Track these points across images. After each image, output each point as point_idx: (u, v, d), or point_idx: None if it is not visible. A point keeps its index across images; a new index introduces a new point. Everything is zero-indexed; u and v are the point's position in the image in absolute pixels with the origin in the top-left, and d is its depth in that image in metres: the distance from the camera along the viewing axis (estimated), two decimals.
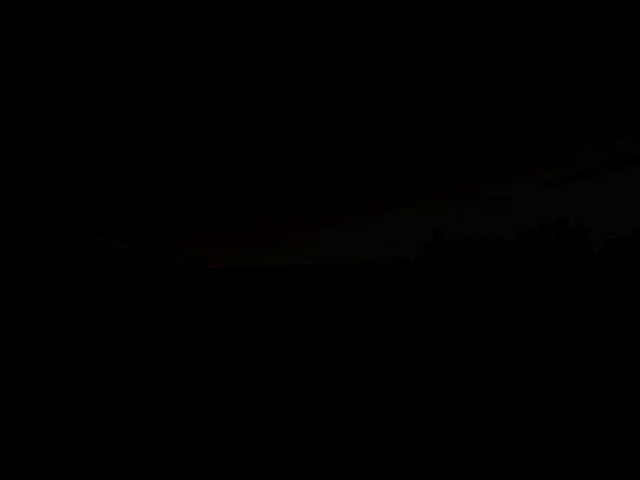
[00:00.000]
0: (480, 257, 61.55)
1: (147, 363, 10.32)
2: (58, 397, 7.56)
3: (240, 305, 27.83)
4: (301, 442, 5.50)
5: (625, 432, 5.47)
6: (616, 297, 21.90)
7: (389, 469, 4.78)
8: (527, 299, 23.93)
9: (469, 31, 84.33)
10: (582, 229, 57.93)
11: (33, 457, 5.26)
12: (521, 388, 7.39)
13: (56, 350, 12.04)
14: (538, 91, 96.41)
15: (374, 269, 72.31)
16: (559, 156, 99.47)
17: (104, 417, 6.53)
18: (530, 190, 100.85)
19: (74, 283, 31.32)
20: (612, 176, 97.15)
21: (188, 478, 4.71)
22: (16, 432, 6.03)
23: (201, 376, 8.95)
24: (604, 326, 13.54)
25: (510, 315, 17.59)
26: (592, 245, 58.23)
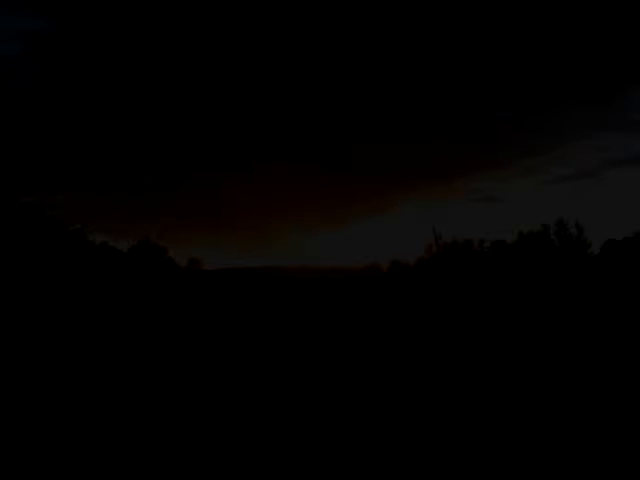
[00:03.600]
0: (480, 258, 61.44)
1: (148, 364, 10.28)
2: (58, 398, 7.52)
3: (241, 306, 27.80)
4: (301, 443, 5.46)
5: (625, 432, 5.43)
6: (617, 298, 21.87)
7: (389, 469, 4.74)
8: (527, 300, 23.91)
9: (465, 30, 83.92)
10: (582, 229, 57.85)
11: (33, 457, 5.22)
12: (521, 389, 7.35)
13: (56, 351, 11.99)
14: (537, 91, 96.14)
15: (374, 270, 72.19)
16: (559, 156, 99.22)
17: (104, 417, 6.48)
18: (530, 190, 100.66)
19: (73, 285, 31.27)
20: (612, 176, 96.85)
21: (188, 478, 4.67)
22: (16, 432, 5.99)
23: (202, 378, 8.91)
24: (605, 327, 13.52)
25: (510, 316, 17.57)
26: (592, 245, 58.14)
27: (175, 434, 5.87)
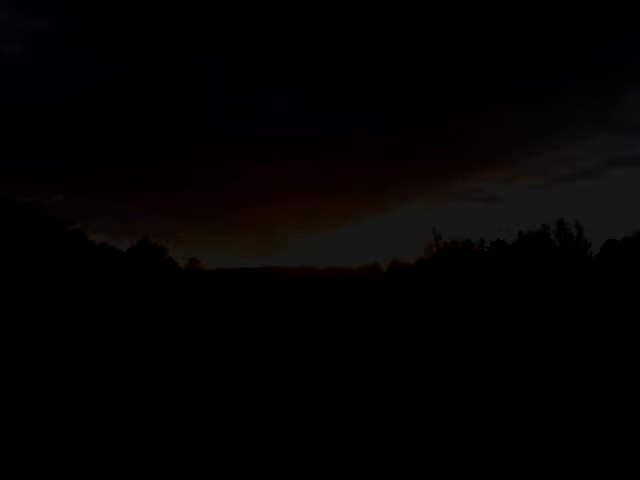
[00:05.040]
0: (480, 258, 61.50)
1: (147, 364, 10.27)
2: (59, 397, 7.51)
3: (240, 307, 27.82)
4: (300, 443, 5.46)
5: (625, 432, 5.42)
6: (617, 298, 21.88)
7: (389, 469, 4.74)
8: (528, 300, 23.92)
9: (465, 32, 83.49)
10: (582, 229, 57.91)
11: (33, 457, 5.22)
12: (522, 389, 7.34)
13: (56, 351, 11.98)
14: (537, 91, 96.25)
15: (374, 270, 72.28)
16: (559, 156, 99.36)
17: (105, 417, 6.48)
18: (530, 190, 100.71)
19: (73, 285, 31.27)
20: (612, 176, 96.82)
21: (188, 478, 4.67)
22: (16, 432, 5.99)
23: (201, 378, 8.91)
24: (605, 327, 13.51)
25: (511, 316, 17.57)
26: (592, 246, 58.18)
27: (175, 434, 5.87)
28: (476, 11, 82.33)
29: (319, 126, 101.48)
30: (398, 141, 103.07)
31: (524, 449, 5.10)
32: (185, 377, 8.89)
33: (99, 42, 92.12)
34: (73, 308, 23.30)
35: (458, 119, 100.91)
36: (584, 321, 15.04)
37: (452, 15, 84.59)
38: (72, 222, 43.89)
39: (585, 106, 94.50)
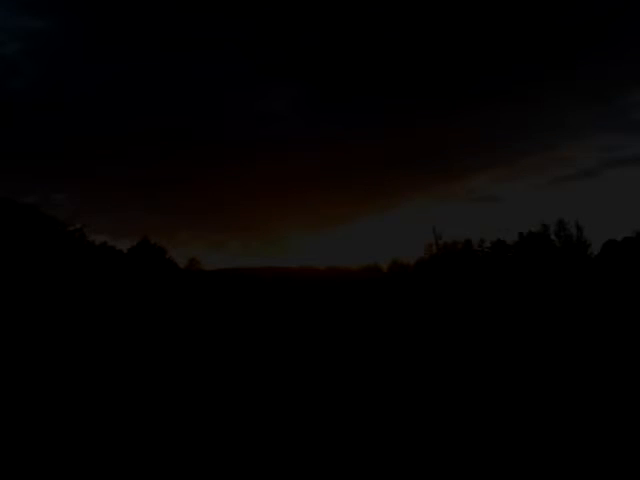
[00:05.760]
0: (480, 258, 61.50)
1: (147, 364, 10.26)
2: (59, 398, 7.51)
3: (241, 307, 27.81)
4: (301, 443, 5.45)
5: (625, 433, 5.42)
6: (617, 298, 21.86)
7: (389, 469, 4.73)
8: (528, 300, 23.90)
9: (464, 34, 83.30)
10: (582, 229, 57.91)
11: (33, 457, 5.21)
12: (522, 389, 7.34)
13: (56, 351, 11.97)
14: (537, 91, 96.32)
15: (374, 270, 72.27)
16: (559, 156, 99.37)
17: (105, 418, 6.47)
18: (530, 190, 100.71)
19: (73, 285, 31.24)
20: (612, 176, 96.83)
21: (187, 478, 4.66)
22: (16, 433, 5.98)
23: (202, 378, 8.90)
24: (605, 327, 13.50)
25: (511, 316, 17.56)
26: (592, 246, 58.17)
27: (175, 434, 5.86)
28: (476, 11, 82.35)
29: (319, 126, 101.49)
30: (398, 141, 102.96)
31: (524, 448, 5.10)
32: (185, 377, 8.88)
33: (99, 42, 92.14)
34: (73, 308, 23.28)
35: (458, 119, 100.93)
36: (584, 321, 15.02)
37: (452, 15, 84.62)
38: (72, 222, 43.82)
39: (585, 106, 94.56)
